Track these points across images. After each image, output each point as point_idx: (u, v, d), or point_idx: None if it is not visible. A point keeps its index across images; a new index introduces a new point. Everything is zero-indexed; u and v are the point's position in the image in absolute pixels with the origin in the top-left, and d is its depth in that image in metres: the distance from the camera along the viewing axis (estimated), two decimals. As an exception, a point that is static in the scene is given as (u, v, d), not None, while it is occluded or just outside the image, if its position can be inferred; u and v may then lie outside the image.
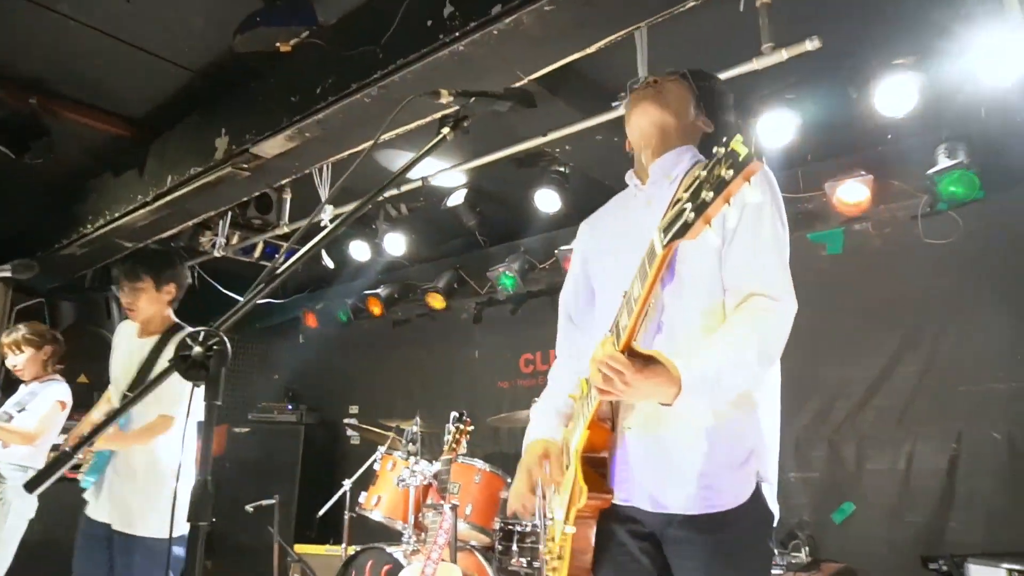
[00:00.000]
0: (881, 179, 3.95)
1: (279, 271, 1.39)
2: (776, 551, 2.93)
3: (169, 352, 2.87)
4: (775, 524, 1.58)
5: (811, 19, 2.82)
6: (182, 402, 2.84)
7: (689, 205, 1.16)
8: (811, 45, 2.72)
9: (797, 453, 4.05)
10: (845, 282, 4.08)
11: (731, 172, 1.10)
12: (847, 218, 4.10)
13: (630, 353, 1.35)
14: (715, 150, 1.15)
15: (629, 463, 1.58)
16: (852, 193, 3.94)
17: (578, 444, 1.59)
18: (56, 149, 4.13)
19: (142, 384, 2.81)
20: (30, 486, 1.19)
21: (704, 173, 1.15)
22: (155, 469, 2.84)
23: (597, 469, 1.56)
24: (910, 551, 3.61)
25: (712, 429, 1.53)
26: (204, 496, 1.20)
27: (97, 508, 2.85)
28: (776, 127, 3.45)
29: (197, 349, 1.25)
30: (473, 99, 1.49)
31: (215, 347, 1.25)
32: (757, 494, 1.53)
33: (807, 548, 3.69)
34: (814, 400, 4.08)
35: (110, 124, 4.17)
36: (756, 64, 2.89)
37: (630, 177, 1.80)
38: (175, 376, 2.86)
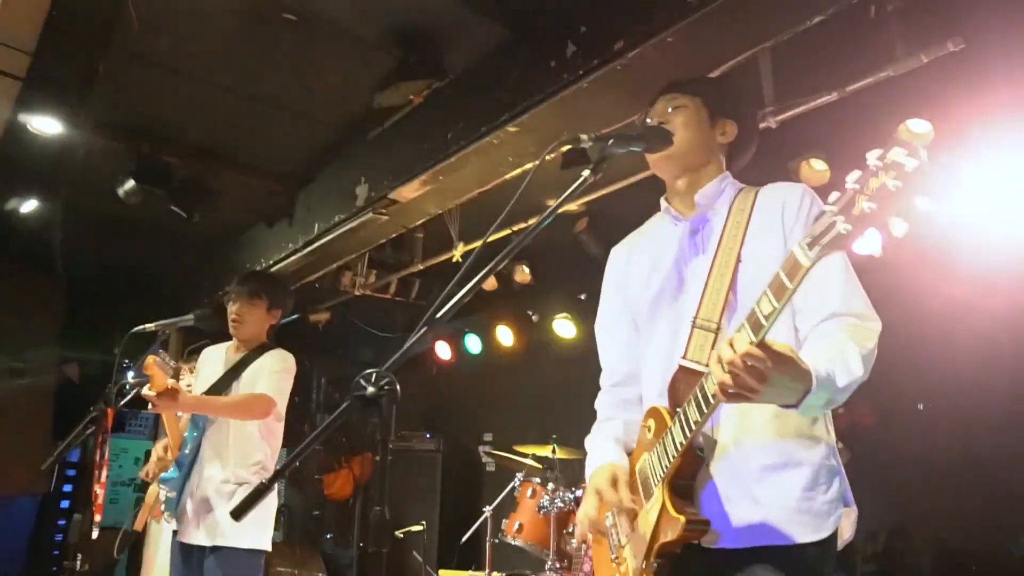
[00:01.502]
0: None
1: (440, 315, 1.47)
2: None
3: (257, 363, 2.96)
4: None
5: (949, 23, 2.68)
6: (284, 394, 2.92)
7: (841, 218, 1.08)
8: (953, 47, 2.59)
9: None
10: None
11: (897, 183, 1.03)
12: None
13: (761, 345, 1.21)
14: (869, 160, 1.06)
15: (709, 497, 1.47)
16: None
17: (665, 471, 1.46)
18: (217, 206, 4.58)
19: (219, 389, 2.93)
20: (236, 514, 1.33)
21: (855, 185, 1.07)
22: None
23: (684, 498, 1.46)
24: None
25: (796, 450, 1.46)
26: (383, 523, 1.31)
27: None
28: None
29: (371, 389, 1.36)
30: (611, 141, 1.54)
31: (386, 387, 1.36)
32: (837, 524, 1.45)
33: None
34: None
35: (263, 180, 4.58)
36: (891, 71, 2.78)
37: (667, 209, 1.76)
38: (278, 363, 3.02)
